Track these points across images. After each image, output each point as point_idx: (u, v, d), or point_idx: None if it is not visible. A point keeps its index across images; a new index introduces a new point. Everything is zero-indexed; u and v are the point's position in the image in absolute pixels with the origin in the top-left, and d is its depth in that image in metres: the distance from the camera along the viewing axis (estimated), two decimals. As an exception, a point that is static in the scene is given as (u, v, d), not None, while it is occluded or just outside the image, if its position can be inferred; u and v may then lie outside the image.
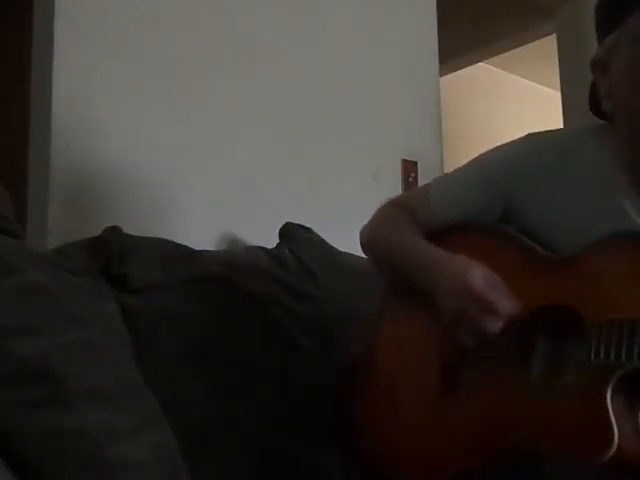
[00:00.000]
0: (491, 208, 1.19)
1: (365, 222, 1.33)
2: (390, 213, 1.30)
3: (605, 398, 0.91)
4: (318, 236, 1.74)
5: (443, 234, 1.23)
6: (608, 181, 1.09)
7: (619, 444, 0.89)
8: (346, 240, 1.53)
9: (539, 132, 1.20)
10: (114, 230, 1.38)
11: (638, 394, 0.94)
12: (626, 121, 1.06)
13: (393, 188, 2.17)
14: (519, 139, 1.20)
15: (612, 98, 1.07)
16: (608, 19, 1.06)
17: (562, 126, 3.21)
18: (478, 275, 1.07)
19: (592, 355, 0.94)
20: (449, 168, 1.33)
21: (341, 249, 1.72)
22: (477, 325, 1.06)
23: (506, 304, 1.05)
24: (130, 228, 1.42)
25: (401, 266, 1.22)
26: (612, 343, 0.92)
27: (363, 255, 1.36)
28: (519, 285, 1.10)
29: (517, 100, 5.35)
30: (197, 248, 1.49)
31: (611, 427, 0.90)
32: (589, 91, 1.14)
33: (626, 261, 0.99)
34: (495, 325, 1.05)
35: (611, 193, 1.08)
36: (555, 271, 1.07)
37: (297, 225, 1.74)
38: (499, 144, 1.23)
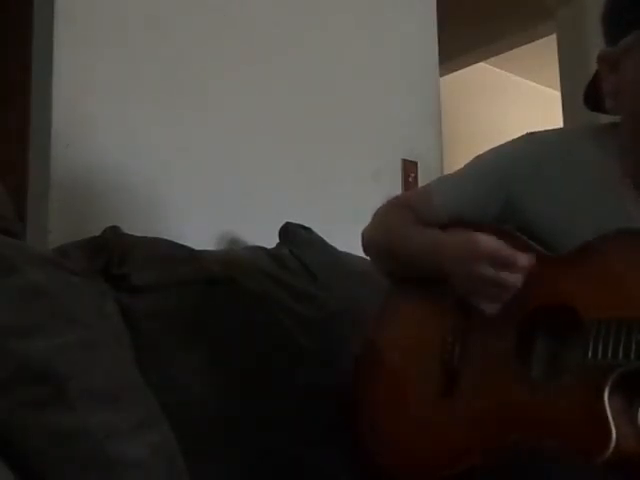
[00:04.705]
0: (491, 206, 1.19)
1: (365, 223, 1.33)
2: (390, 211, 1.31)
3: (603, 397, 0.92)
4: (318, 236, 1.74)
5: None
6: (609, 181, 1.09)
7: (617, 442, 0.90)
8: (346, 240, 1.53)
9: (538, 131, 1.20)
10: (114, 230, 1.38)
11: (636, 393, 0.94)
12: (631, 123, 1.06)
13: (393, 188, 2.17)
14: (518, 138, 1.20)
15: (618, 97, 1.06)
16: (626, 17, 1.03)
17: (562, 126, 3.20)
18: (483, 237, 1.07)
19: (590, 354, 0.94)
20: (449, 168, 1.33)
21: (341, 249, 1.71)
22: (496, 282, 1.06)
23: (521, 255, 1.05)
24: (130, 228, 1.42)
25: (404, 256, 1.23)
26: (610, 342, 0.92)
27: (363, 255, 1.36)
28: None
29: (517, 100, 5.35)
30: (197, 248, 1.48)
31: (609, 426, 0.91)
32: (588, 84, 1.13)
33: (624, 260, 0.99)
34: (515, 278, 1.05)
35: (612, 193, 1.08)
36: (554, 270, 1.07)
37: (297, 225, 1.74)
38: (499, 144, 1.23)
